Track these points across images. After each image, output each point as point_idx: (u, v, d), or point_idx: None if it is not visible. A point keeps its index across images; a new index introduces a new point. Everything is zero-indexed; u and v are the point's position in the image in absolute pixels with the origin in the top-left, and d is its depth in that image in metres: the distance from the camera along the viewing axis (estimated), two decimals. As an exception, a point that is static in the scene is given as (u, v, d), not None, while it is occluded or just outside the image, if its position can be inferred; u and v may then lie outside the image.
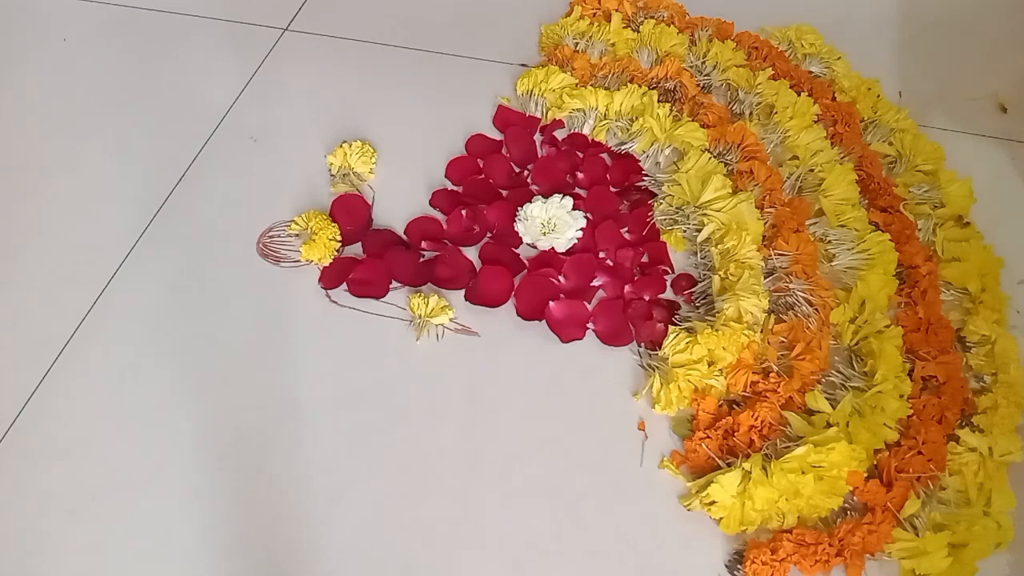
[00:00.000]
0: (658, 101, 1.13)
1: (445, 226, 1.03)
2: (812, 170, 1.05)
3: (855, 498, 0.80)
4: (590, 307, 0.95)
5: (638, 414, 0.87)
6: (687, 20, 1.27)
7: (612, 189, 1.07)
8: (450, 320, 0.94)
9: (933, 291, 0.94)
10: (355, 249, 1.01)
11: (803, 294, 0.92)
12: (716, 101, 1.15)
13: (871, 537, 0.76)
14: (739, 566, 0.76)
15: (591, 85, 1.16)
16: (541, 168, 1.08)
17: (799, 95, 1.13)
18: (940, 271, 0.96)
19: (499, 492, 0.82)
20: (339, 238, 0.99)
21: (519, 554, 0.78)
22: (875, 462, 0.82)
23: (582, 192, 1.06)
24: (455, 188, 1.07)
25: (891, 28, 1.31)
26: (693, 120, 1.11)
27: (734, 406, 0.87)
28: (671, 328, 0.91)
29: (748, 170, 1.04)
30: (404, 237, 1.02)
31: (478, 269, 0.99)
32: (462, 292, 0.97)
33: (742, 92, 1.15)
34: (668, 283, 0.98)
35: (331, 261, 0.98)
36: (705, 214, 1.00)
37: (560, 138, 1.12)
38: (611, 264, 0.99)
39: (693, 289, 0.97)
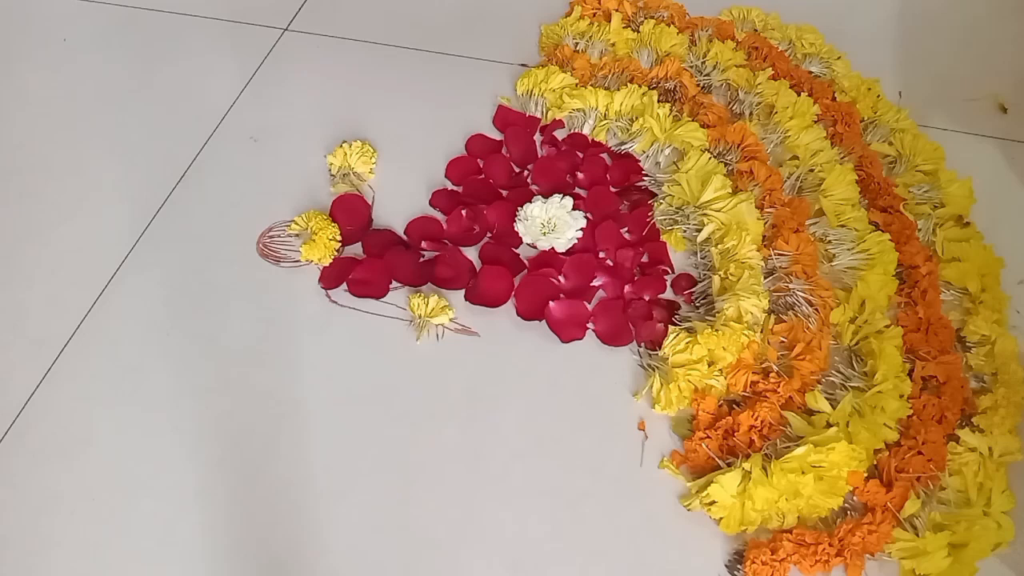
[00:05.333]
0: (658, 101, 1.13)
1: (445, 226, 1.03)
2: (812, 170, 1.05)
3: (855, 498, 0.80)
4: (590, 307, 0.95)
5: (638, 414, 0.87)
6: (687, 20, 1.27)
7: (612, 189, 1.07)
8: (450, 320, 0.94)
9: (933, 291, 0.94)
10: (355, 249, 1.01)
11: (803, 294, 0.92)
12: (716, 101, 1.15)
13: (871, 537, 0.76)
14: (739, 566, 0.76)
15: (591, 85, 1.16)
16: (541, 168, 1.08)
17: (799, 95, 1.13)
18: (940, 271, 0.96)
19: (499, 492, 0.82)
20: (339, 238, 0.99)
21: (519, 554, 0.78)
22: (875, 462, 0.82)
23: (582, 192, 1.06)
24: (455, 188, 1.07)
25: (891, 28, 1.31)
26: (693, 120, 1.11)
27: (734, 406, 0.87)
28: (671, 328, 0.91)
29: (748, 170, 1.04)
30: (404, 237, 1.02)
31: (478, 269, 0.99)
32: (462, 292, 0.97)
33: (742, 92, 1.15)
34: (668, 283, 0.98)
35: (331, 261, 0.98)
36: (705, 214, 1.00)
37: (560, 138, 1.12)
38: (611, 264, 0.99)
39: (693, 289, 0.97)
